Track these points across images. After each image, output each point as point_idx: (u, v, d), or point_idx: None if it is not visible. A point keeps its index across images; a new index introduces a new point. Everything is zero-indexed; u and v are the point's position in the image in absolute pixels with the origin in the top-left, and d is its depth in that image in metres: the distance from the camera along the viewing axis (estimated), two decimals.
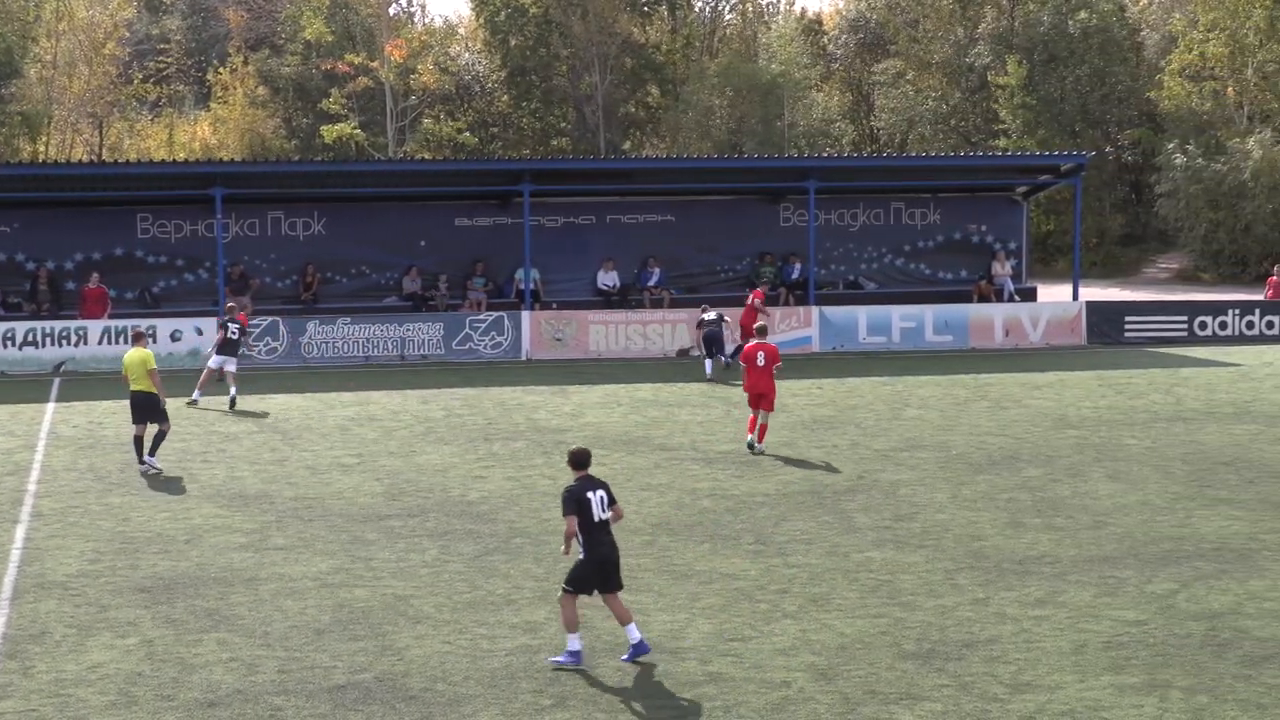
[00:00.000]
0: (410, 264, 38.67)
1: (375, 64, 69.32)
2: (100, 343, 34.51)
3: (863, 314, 38.54)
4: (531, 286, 37.84)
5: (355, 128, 68.26)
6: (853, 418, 26.72)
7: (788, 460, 22.59)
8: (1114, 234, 67.82)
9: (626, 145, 75.33)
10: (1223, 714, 11.76)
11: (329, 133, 67.67)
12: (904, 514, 18.88)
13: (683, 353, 37.00)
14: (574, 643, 12.98)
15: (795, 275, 39.95)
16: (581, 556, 13.16)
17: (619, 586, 13.28)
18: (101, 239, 37.47)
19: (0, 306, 36.57)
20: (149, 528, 18.28)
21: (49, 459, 23.00)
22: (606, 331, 37.24)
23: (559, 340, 36.88)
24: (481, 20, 77.08)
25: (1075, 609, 14.58)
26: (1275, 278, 43.01)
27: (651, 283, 39.33)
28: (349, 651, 13.38)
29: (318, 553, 16.99)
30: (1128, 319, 40.17)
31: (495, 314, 36.94)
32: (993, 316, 39.22)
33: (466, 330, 36.51)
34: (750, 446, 23.14)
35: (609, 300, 39.01)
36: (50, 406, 28.67)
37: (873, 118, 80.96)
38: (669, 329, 37.44)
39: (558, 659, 12.98)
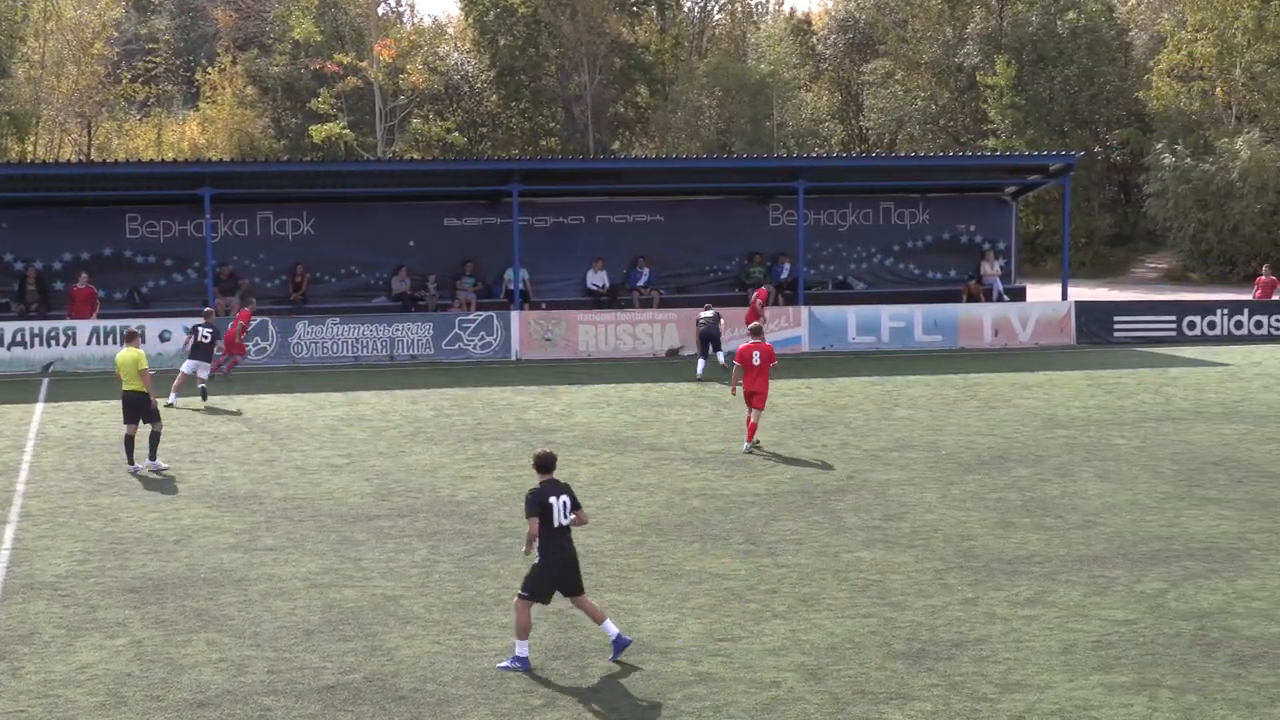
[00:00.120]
0: (399, 264, 38.67)
1: (364, 64, 69.20)
2: (89, 343, 34.45)
3: (852, 314, 38.56)
4: (521, 286, 37.86)
5: (344, 128, 68.12)
6: (842, 418, 26.74)
7: (778, 460, 22.61)
8: (1103, 234, 67.86)
9: (616, 145, 75.27)
10: (1212, 713, 11.78)
11: (318, 133, 67.55)
12: (894, 514, 18.89)
13: (672, 352, 37.02)
14: (522, 649, 12.96)
15: (784, 275, 40.01)
16: (537, 560, 13.16)
17: (580, 589, 13.30)
18: (90, 239, 37.43)
19: None
20: (138, 528, 18.25)
21: (38, 459, 22.95)
22: (596, 331, 37.24)
23: (548, 340, 36.87)
24: (470, 20, 77.02)
25: (1065, 608, 14.61)
26: (1263, 277, 43.12)
27: (641, 283, 39.35)
28: (338, 652, 13.37)
29: (307, 553, 16.98)
30: (1117, 319, 40.24)
31: (485, 314, 36.93)
32: (982, 316, 39.27)
33: (456, 330, 36.49)
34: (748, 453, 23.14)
35: (598, 300, 39.04)
36: (39, 407, 28.62)
37: (862, 118, 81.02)
38: (658, 329, 37.45)
39: (504, 664, 12.98)
